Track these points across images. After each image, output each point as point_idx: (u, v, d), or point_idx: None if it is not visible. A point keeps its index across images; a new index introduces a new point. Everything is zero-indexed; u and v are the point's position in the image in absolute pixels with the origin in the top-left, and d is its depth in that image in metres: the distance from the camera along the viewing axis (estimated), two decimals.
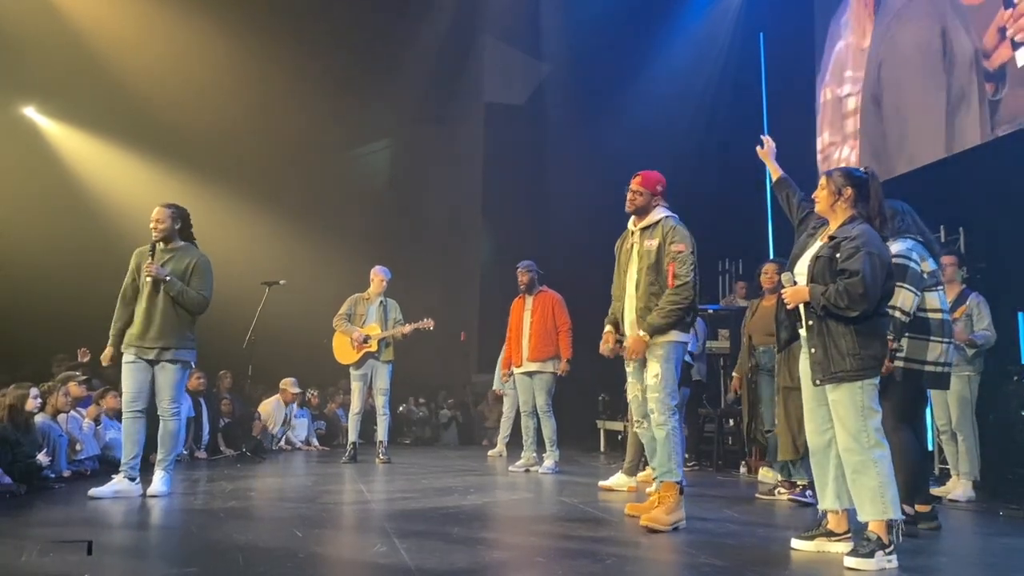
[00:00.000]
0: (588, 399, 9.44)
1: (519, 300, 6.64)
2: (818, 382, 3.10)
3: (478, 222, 13.04)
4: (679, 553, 3.25)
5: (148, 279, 4.53)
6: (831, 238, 3.15)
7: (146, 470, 4.63)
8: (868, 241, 3.03)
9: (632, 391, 4.10)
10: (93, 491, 4.36)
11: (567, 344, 6.33)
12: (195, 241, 4.81)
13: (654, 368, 3.85)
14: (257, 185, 10.88)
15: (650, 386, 3.87)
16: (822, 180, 3.28)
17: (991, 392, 5.40)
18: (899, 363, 3.74)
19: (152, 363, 4.54)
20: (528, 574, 2.92)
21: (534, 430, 6.52)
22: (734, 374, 5.60)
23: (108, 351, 4.64)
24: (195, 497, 4.65)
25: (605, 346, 4.21)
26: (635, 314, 3.95)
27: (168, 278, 4.51)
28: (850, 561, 2.93)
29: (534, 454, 6.49)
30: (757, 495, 5.04)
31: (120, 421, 4.75)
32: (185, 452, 6.93)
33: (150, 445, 4.65)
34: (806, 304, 3.13)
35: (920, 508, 3.82)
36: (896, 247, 3.72)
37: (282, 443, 8.35)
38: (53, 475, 4.95)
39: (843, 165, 5.67)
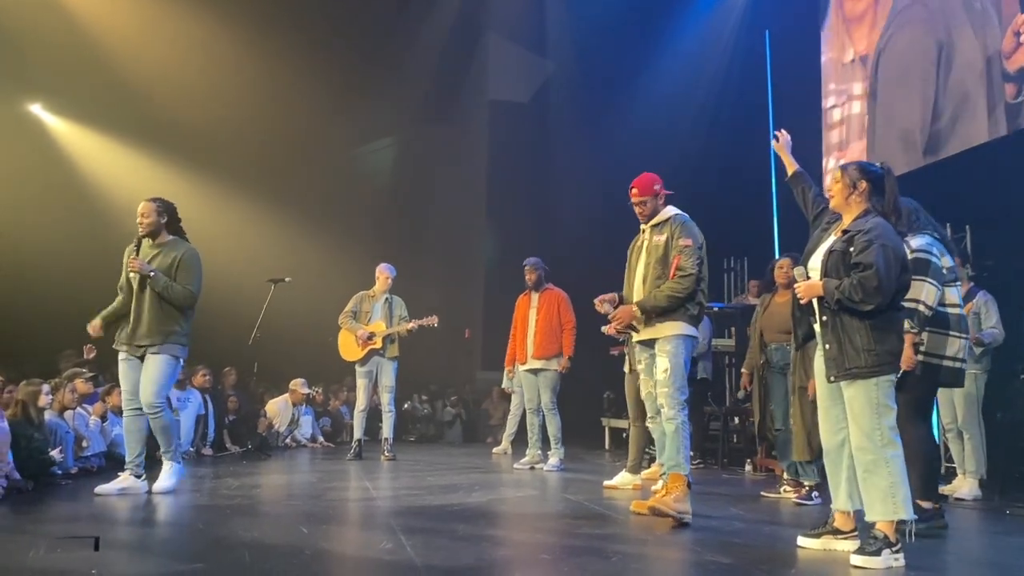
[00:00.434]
0: (593, 396, 9.45)
1: (524, 297, 6.63)
2: (832, 378, 3.06)
3: (482, 220, 13.04)
4: (685, 551, 3.25)
5: (133, 275, 4.50)
6: (845, 232, 3.11)
7: (152, 467, 4.63)
8: (882, 234, 2.99)
9: (645, 387, 4.13)
10: (99, 488, 4.37)
11: (570, 342, 6.33)
12: (184, 235, 4.73)
13: (663, 363, 3.88)
14: (262, 183, 10.88)
15: (659, 381, 3.91)
16: (836, 174, 3.23)
17: (998, 390, 5.38)
18: (919, 356, 3.70)
19: (142, 360, 4.50)
20: (534, 571, 2.91)
21: (539, 427, 6.52)
22: (743, 371, 5.57)
23: (96, 321, 4.59)
24: (201, 494, 4.66)
25: (603, 305, 4.09)
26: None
27: (152, 274, 4.44)
28: (857, 559, 2.90)
29: (539, 451, 6.49)
30: (762, 493, 5.03)
31: None
32: (192, 449, 6.95)
33: (153, 442, 4.64)
34: (820, 299, 3.09)
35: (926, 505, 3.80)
36: (916, 242, 3.71)
37: (288, 440, 8.37)
38: (60, 471, 4.96)
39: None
